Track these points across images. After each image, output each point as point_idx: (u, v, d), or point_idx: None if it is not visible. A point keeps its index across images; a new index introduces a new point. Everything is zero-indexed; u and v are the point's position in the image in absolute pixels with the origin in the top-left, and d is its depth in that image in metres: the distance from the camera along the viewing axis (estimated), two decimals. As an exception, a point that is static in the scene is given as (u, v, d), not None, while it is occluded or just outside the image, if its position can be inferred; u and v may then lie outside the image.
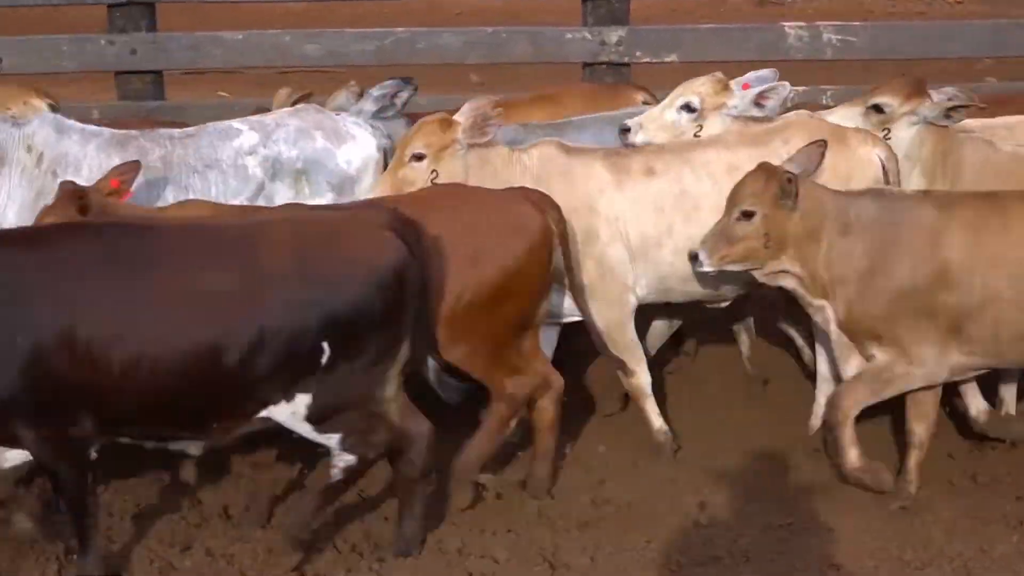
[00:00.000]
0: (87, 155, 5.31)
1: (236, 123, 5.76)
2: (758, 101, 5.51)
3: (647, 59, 7.28)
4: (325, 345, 4.09)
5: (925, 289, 4.71)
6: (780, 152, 5.08)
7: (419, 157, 5.08)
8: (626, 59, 7.17)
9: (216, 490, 5.21)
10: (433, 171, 5.09)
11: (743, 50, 7.15)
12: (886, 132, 5.31)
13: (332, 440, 4.24)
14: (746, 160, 5.02)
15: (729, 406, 5.71)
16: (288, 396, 4.13)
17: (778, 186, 4.62)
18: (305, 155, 5.52)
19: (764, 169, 4.74)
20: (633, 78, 7.24)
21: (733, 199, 4.73)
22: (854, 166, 5.07)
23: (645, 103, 6.37)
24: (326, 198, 5.39)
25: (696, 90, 5.43)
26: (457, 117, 5.14)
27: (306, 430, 4.23)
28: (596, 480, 5.17)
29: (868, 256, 4.77)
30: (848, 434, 4.86)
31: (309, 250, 4.18)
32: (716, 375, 5.97)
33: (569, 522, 4.83)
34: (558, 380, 5.00)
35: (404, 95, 6.03)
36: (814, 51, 7.25)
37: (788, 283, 4.84)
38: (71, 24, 9.64)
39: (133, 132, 5.61)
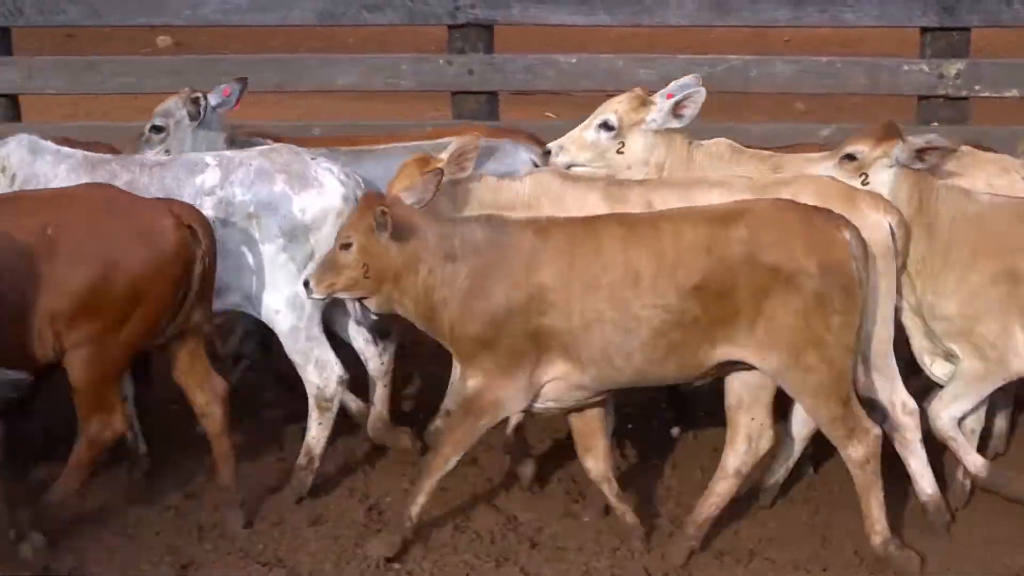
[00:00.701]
0: (57, 176, 5.38)
1: (208, 157, 5.70)
2: (677, 112, 5.45)
3: (986, 93, 6.99)
4: None
5: (520, 312, 4.76)
6: (785, 196, 5.06)
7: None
8: (964, 93, 6.92)
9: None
10: None
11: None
12: (864, 178, 5.18)
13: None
14: None
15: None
16: None
17: (372, 218, 4.68)
18: (258, 199, 5.41)
19: (365, 200, 4.93)
20: (971, 113, 7.01)
21: (340, 229, 4.94)
22: (863, 227, 4.88)
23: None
24: (276, 244, 5.34)
25: (613, 108, 5.43)
26: (443, 155, 5.20)
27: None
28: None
29: (470, 279, 4.81)
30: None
31: None
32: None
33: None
34: (221, 384, 5.11)
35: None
36: None
37: (402, 312, 4.96)
38: (409, 44, 10.14)
39: (107, 156, 5.67)
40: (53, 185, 5.27)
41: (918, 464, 5.12)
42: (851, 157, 5.20)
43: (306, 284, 4.92)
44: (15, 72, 7.20)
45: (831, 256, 4.74)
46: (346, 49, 10.89)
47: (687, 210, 5.02)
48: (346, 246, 4.78)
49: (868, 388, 5.07)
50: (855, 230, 4.83)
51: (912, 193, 5.12)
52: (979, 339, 5.09)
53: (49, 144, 5.53)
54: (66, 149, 5.51)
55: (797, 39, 11.51)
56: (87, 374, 4.85)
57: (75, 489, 5.04)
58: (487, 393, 4.91)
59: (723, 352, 4.80)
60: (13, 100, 7.32)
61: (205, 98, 5.92)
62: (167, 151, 5.84)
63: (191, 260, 4.87)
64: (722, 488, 5.01)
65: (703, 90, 5.49)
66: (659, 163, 5.45)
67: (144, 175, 5.44)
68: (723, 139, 5.69)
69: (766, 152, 5.72)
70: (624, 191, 5.14)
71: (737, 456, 5.00)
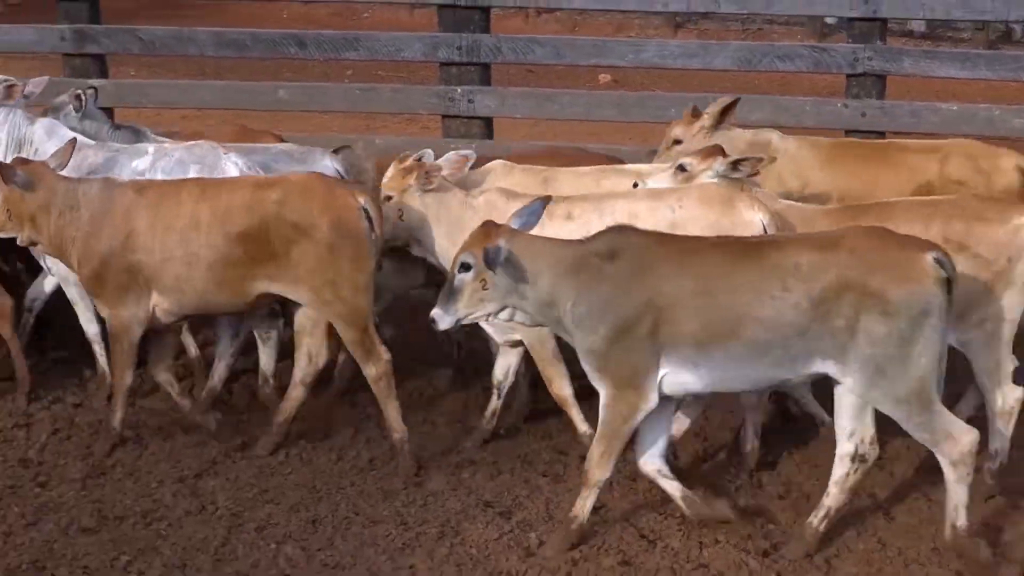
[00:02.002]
0: (47, 152, 6.06)
1: (151, 146, 6.42)
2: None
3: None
4: None
5: (123, 251, 5.62)
6: (674, 207, 5.38)
7: (388, 198, 5.79)
8: None
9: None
10: (399, 209, 5.78)
11: None
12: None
13: None
14: (644, 210, 5.45)
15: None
16: None
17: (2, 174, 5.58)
18: None
19: (4, 166, 5.67)
20: None
21: None
22: (738, 225, 5.20)
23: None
24: None
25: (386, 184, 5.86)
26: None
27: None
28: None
29: (89, 224, 5.66)
30: None
31: None
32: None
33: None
34: None
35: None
36: None
37: (38, 250, 6.00)
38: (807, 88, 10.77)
39: (92, 143, 6.36)
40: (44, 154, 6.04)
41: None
42: (682, 168, 5.73)
43: None
44: (492, 99, 7.87)
45: (341, 217, 5.51)
46: (755, 91, 11.36)
47: (242, 177, 6.00)
48: None
49: None
50: (371, 199, 5.66)
51: None
52: None
53: (63, 129, 6.34)
54: (74, 135, 6.20)
55: None
56: None
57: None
58: (113, 319, 5.83)
59: (264, 286, 5.69)
60: (489, 122, 8.06)
61: (86, 95, 6.66)
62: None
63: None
64: (295, 394, 5.91)
65: (429, 152, 5.90)
66: (436, 217, 5.78)
67: (102, 157, 6.25)
68: (498, 160, 6.26)
69: (538, 167, 6.23)
70: (552, 206, 5.31)
71: (301, 369, 5.87)
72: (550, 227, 5.32)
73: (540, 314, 4.96)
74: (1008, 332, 5.37)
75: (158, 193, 5.77)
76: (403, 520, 5.27)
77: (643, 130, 7.66)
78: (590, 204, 5.63)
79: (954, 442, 4.74)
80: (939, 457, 4.81)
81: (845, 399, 4.91)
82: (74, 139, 6.09)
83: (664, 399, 4.97)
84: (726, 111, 6.53)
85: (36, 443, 6.05)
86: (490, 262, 4.71)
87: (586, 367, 4.98)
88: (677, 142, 6.57)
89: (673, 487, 5.17)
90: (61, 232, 5.73)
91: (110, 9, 8.36)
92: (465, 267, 4.83)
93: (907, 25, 16.58)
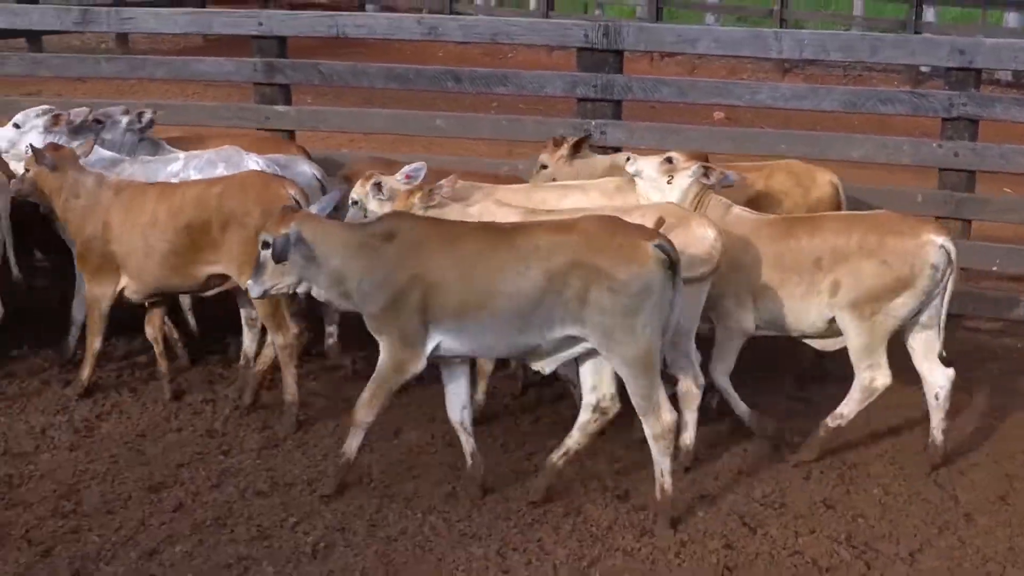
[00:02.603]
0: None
1: (182, 153, 6.71)
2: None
3: None
4: None
5: (101, 239, 5.97)
6: (637, 217, 5.32)
7: (355, 202, 5.86)
8: None
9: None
10: None
11: None
12: (670, 179, 5.77)
13: None
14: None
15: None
16: None
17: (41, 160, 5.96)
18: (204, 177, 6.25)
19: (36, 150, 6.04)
20: None
21: None
22: (691, 241, 5.25)
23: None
24: None
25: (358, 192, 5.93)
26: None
27: None
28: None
29: (81, 212, 5.99)
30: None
31: None
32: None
33: None
34: None
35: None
36: None
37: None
38: (900, 129, 10.46)
39: (127, 158, 6.58)
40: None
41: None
42: (669, 160, 5.86)
43: None
44: (622, 132, 7.75)
45: (272, 206, 5.47)
46: (853, 130, 11.23)
47: (199, 180, 6.21)
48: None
49: (673, 363, 5.55)
50: (301, 192, 5.92)
51: (693, 199, 5.75)
52: None
53: (107, 153, 6.57)
54: (115, 156, 6.58)
55: None
56: None
57: None
58: (88, 293, 6.14)
59: (209, 268, 5.95)
60: (617, 150, 7.64)
61: (142, 116, 6.90)
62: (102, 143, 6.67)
63: None
64: (290, 372, 5.97)
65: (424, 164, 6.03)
66: None
67: (138, 168, 6.50)
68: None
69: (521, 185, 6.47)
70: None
71: (277, 347, 5.99)
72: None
73: (333, 287, 5.10)
74: (891, 326, 5.58)
75: (130, 194, 6.06)
76: (497, 534, 5.15)
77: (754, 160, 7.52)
78: (520, 194, 5.96)
79: (658, 417, 4.92)
80: (645, 428, 5.00)
81: (587, 359, 5.13)
82: (92, 139, 6.55)
83: (453, 361, 5.22)
84: (580, 143, 6.84)
85: (220, 416, 6.17)
86: (277, 252, 4.95)
87: (370, 329, 5.15)
88: (543, 167, 6.88)
89: (467, 441, 5.37)
90: (64, 213, 6.09)
91: (296, 46, 8.50)
92: (265, 244, 5.03)
93: (995, 75, 16.22)
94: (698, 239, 5.36)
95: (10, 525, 5.00)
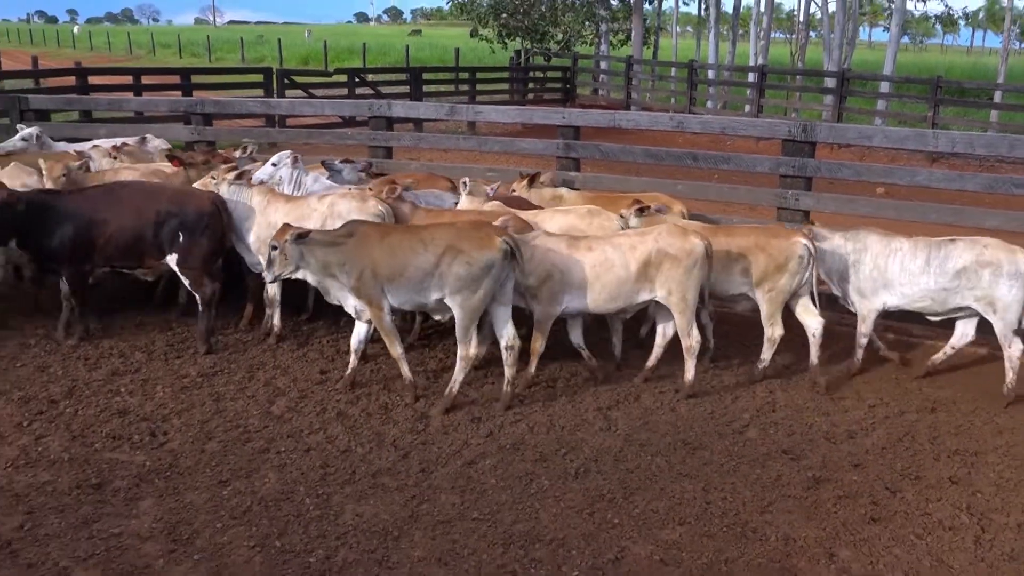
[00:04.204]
0: (311, 188, 6.74)
1: (323, 177, 6.78)
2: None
3: None
4: None
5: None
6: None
7: None
8: None
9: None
10: None
11: None
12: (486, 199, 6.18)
13: None
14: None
15: None
16: None
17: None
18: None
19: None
20: None
21: None
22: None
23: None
24: None
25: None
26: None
27: None
28: None
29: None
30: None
31: None
32: None
33: None
34: None
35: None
36: None
37: None
38: None
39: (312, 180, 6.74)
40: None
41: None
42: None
43: None
44: (811, 199, 7.22)
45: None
46: (984, 205, 9.82)
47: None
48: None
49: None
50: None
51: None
52: None
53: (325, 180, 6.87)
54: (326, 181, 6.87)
55: None
56: None
57: None
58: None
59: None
60: (807, 214, 7.38)
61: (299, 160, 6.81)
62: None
63: None
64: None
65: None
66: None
67: (309, 179, 6.80)
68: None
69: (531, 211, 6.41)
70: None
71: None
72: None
73: (320, 273, 5.41)
74: (781, 299, 5.89)
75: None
76: (702, 476, 4.85)
77: (913, 227, 6.99)
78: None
79: (466, 348, 5.28)
80: (458, 351, 5.28)
81: (497, 311, 5.37)
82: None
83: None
84: (534, 179, 7.16)
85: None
86: (279, 252, 5.35)
87: (356, 296, 5.40)
88: (513, 191, 7.07)
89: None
90: None
91: (585, 132, 8.65)
92: (274, 248, 5.37)
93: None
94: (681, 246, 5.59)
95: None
